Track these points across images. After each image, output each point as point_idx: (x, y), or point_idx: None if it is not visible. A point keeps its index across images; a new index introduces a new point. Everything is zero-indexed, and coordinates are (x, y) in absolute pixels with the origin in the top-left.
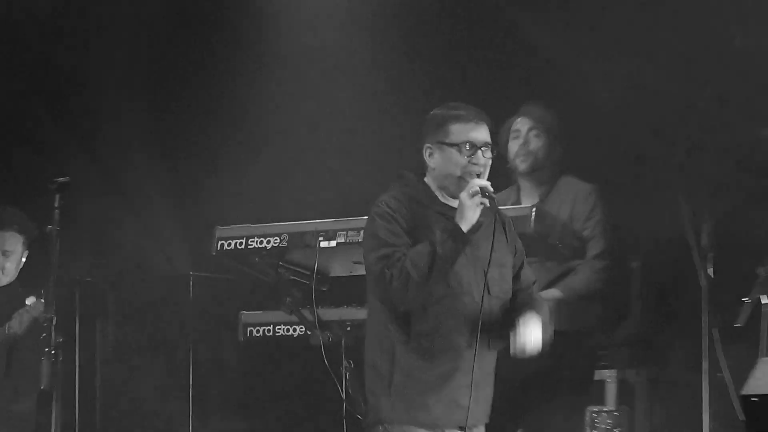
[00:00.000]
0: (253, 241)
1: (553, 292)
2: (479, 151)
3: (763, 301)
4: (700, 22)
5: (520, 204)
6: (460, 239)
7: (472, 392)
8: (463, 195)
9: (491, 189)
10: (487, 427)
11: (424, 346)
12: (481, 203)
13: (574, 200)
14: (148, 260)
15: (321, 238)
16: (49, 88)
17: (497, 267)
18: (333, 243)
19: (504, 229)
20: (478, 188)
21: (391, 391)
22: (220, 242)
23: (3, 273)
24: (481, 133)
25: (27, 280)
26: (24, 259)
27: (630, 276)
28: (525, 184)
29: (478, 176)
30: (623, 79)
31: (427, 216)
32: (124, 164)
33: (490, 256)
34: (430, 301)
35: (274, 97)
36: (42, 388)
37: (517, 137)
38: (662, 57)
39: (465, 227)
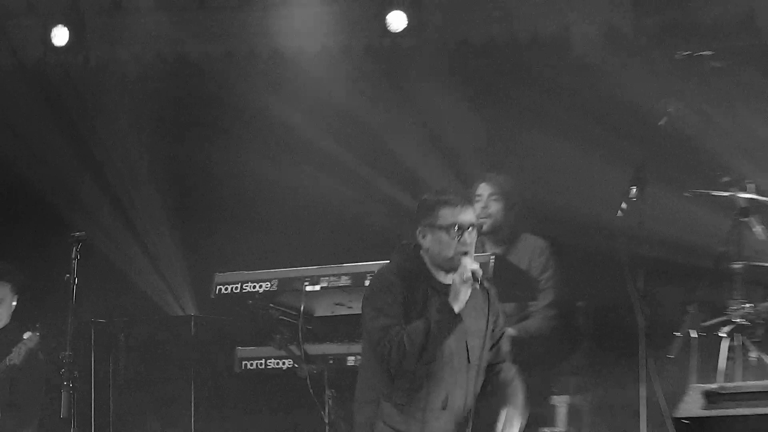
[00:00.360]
0: (247, 286)
1: (510, 331)
2: (466, 233)
3: (691, 335)
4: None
5: None
6: (453, 319)
7: None
8: (456, 279)
9: (480, 272)
10: None
11: (400, 401)
12: (472, 286)
13: (531, 254)
14: (156, 303)
15: (306, 283)
16: (71, 152)
17: (477, 337)
18: (317, 287)
19: (489, 302)
20: (470, 273)
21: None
22: (218, 287)
23: None
24: (467, 215)
25: (24, 317)
26: (15, 303)
27: (577, 315)
28: (487, 242)
29: (466, 254)
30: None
31: (422, 290)
32: (137, 220)
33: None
34: (418, 367)
35: (265, 160)
36: (62, 416)
37: (479, 200)
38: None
39: (457, 308)
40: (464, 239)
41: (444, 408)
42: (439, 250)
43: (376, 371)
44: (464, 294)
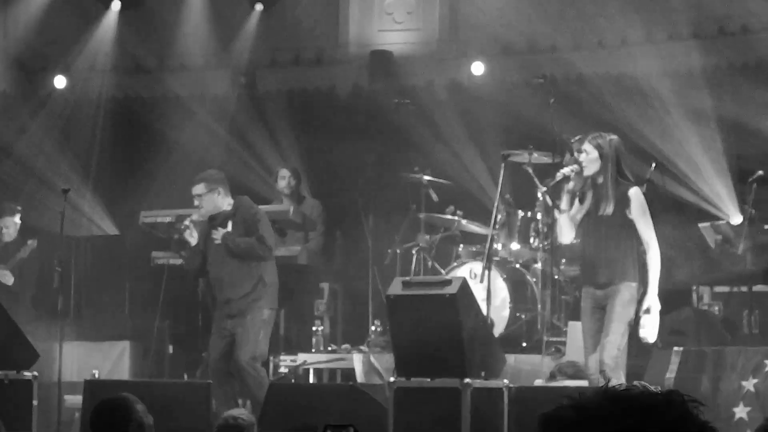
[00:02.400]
0: (157, 218)
1: None
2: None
3: (398, 251)
4: None
5: None
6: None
7: None
8: None
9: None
10: None
11: None
12: None
13: None
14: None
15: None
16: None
17: None
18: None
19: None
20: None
21: None
22: (142, 219)
23: (9, 236)
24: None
25: (28, 233)
26: (19, 224)
27: None
28: None
29: None
30: None
31: None
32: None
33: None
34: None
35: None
36: (54, 287)
37: None
38: None
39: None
40: None
41: None
42: None
43: None
44: None
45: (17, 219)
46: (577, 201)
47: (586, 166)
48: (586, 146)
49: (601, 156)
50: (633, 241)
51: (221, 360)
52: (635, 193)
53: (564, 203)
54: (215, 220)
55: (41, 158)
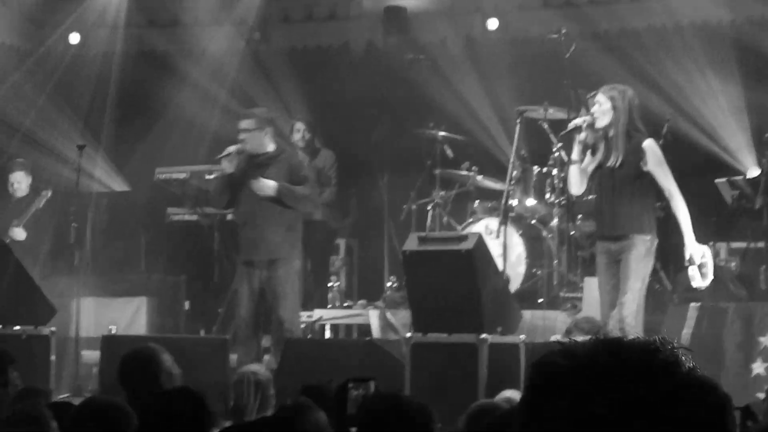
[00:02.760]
0: (172, 174)
1: None
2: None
3: (411, 208)
4: None
5: None
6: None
7: None
8: None
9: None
10: None
11: None
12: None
13: None
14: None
15: (206, 174)
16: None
17: None
18: (211, 176)
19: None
20: None
21: None
22: (157, 175)
23: (21, 191)
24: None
25: (41, 188)
26: (30, 179)
27: None
28: None
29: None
30: None
31: None
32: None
33: None
34: None
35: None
36: (71, 242)
37: None
38: None
39: None
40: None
41: None
42: None
43: None
44: None
45: (28, 174)
46: (589, 153)
47: (599, 118)
48: (600, 97)
49: (614, 107)
50: (648, 193)
51: (250, 314)
52: (649, 145)
53: (575, 154)
54: (256, 158)
55: (55, 114)
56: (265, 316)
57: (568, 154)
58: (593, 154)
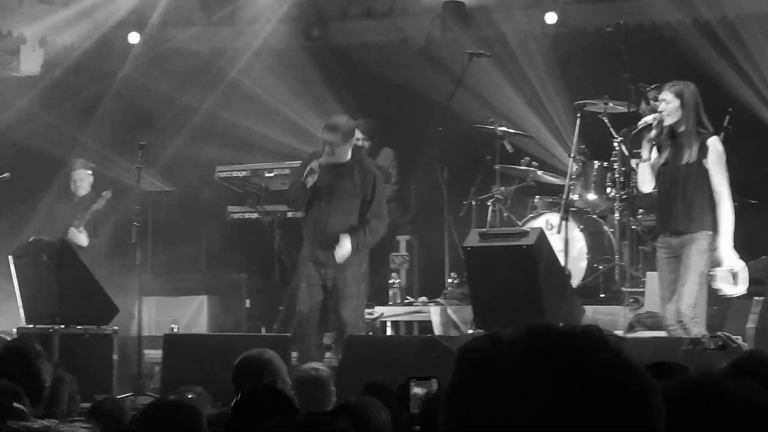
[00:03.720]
0: (233, 172)
1: None
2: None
3: (472, 203)
4: None
5: None
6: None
7: None
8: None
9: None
10: None
11: None
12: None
13: None
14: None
15: (265, 172)
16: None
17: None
18: (272, 174)
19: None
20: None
21: None
22: (217, 173)
23: (82, 189)
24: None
25: (102, 186)
26: (92, 179)
27: None
28: None
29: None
30: None
31: None
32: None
33: None
34: None
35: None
36: (132, 241)
37: None
38: None
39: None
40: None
41: None
42: None
43: None
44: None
45: (90, 173)
46: (654, 149)
47: (668, 115)
48: (666, 95)
49: (683, 104)
50: (709, 190)
51: (311, 312)
52: (713, 143)
53: (645, 152)
54: (334, 168)
55: (117, 113)
56: (328, 314)
57: (632, 148)
58: (659, 150)
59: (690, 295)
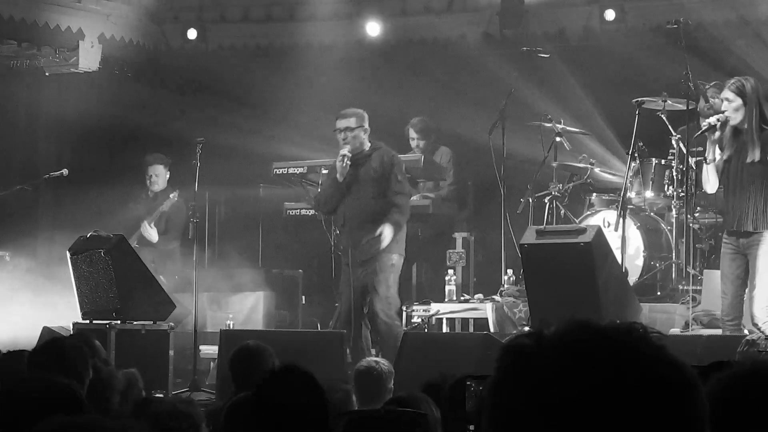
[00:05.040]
0: (289, 169)
1: None
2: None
3: (530, 200)
4: None
5: None
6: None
7: None
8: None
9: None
10: None
11: None
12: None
13: None
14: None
15: (321, 168)
16: None
17: None
18: (327, 171)
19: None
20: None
21: None
22: (274, 169)
23: (158, 185)
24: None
25: (173, 184)
26: (168, 175)
27: None
28: None
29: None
30: None
31: None
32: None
33: None
34: None
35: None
36: (189, 237)
37: None
38: None
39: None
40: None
41: None
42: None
43: None
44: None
45: (167, 169)
46: (716, 148)
47: (731, 116)
48: (727, 93)
49: (745, 102)
50: None
51: (351, 310)
52: None
53: (710, 154)
54: (354, 157)
55: (177, 110)
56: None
57: (691, 146)
58: (721, 149)
59: (762, 297)
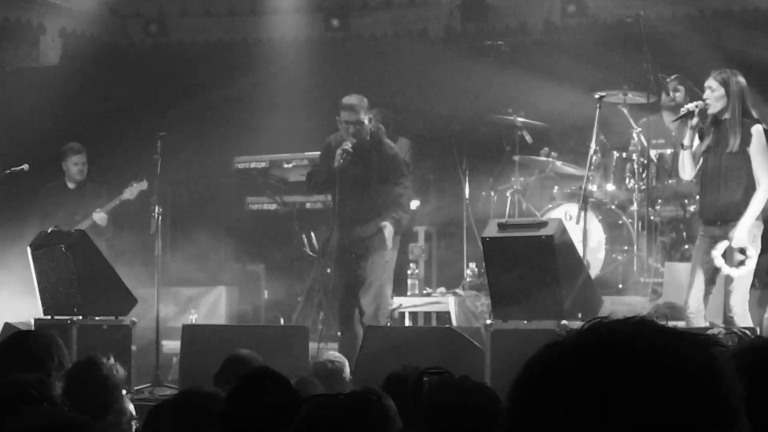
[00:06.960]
0: (251, 163)
1: None
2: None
3: (492, 195)
4: None
5: None
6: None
7: None
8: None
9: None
10: None
11: None
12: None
13: None
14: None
15: (284, 162)
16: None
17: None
18: (290, 165)
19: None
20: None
21: None
22: (236, 164)
23: (83, 174)
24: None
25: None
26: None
27: None
28: None
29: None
30: None
31: None
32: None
33: None
34: None
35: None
36: (151, 232)
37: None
38: None
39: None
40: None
41: None
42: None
43: None
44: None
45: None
46: (696, 137)
47: (711, 104)
48: (711, 82)
49: (728, 93)
50: (751, 177)
51: (344, 305)
52: (757, 131)
53: (687, 139)
54: (355, 148)
55: (138, 104)
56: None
57: (649, 140)
58: (701, 138)
59: (740, 290)
